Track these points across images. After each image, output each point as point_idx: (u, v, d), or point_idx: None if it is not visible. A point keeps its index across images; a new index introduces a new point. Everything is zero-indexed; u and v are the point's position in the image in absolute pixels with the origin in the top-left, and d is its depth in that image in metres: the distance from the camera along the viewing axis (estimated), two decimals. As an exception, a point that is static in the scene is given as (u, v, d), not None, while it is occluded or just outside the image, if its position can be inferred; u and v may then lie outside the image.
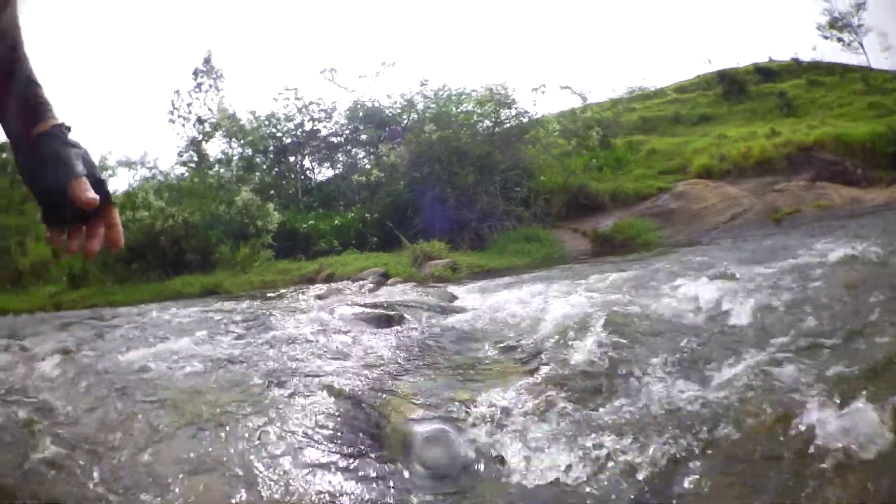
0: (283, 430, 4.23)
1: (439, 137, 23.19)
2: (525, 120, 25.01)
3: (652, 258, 13.29)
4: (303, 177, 32.87)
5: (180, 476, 3.72)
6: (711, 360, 4.57)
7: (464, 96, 26.42)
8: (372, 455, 3.84)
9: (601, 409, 3.97)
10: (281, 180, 32.13)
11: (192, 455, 3.96)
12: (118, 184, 41.12)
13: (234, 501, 3.36)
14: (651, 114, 37.08)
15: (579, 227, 21.42)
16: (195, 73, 35.89)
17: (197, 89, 35.52)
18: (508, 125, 24.90)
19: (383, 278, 15.87)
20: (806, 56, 48.14)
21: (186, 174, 32.83)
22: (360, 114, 31.49)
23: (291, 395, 4.91)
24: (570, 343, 5.30)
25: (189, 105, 35.27)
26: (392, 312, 8.22)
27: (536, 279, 11.51)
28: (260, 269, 21.78)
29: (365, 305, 8.91)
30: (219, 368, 6.15)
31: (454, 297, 10.48)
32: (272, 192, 29.79)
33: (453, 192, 21.86)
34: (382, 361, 5.67)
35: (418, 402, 4.52)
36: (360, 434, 4.12)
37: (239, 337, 8.17)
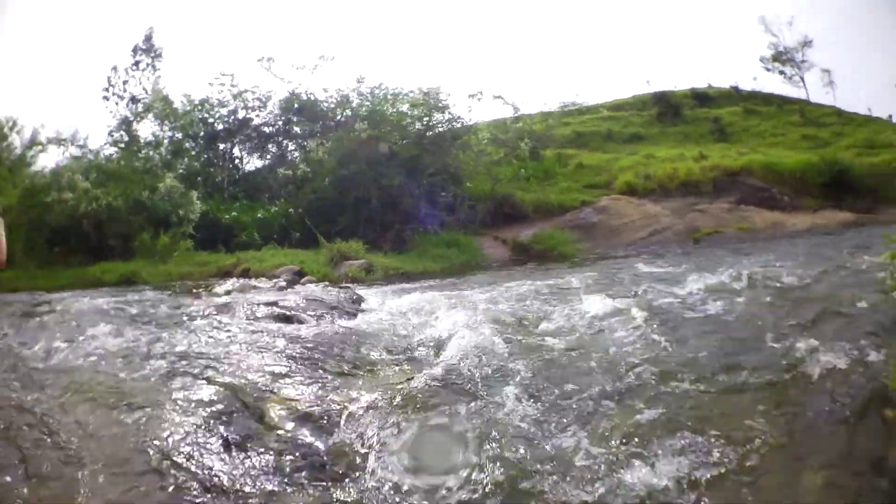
0: (171, 419, 4.38)
1: (369, 136, 23.10)
2: (458, 125, 25.01)
3: (563, 270, 13.74)
4: (231, 165, 32.42)
5: (84, 459, 3.85)
6: (569, 381, 4.86)
7: (399, 97, 26.11)
8: (247, 444, 4.01)
9: (455, 417, 4.23)
10: (209, 167, 31.67)
11: (92, 439, 4.11)
12: (47, 160, 40.25)
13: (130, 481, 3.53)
14: (585, 129, 37.73)
15: (500, 236, 21.80)
16: (134, 51, 35.03)
17: (134, 67, 34.69)
18: (440, 129, 24.88)
19: (297, 276, 15.87)
20: (746, 85, 49.71)
21: (116, 155, 32.03)
22: (295, 105, 31.10)
23: (182, 388, 5.07)
24: (445, 352, 5.63)
25: (125, 83, 34.47)
26: (291, 313, 8.41)
27: (445, 286, 11.91)
28: (179, 260, 21.62)
29: (267, 304, 8.98)
30: (118, 359, 6.22)
31: (361, 300, 10.60)
32: (199, 178, 29.48)
33: (378, 192, 21.92)
34: (272, 360, 5.85)
35: (295, 400, 4.74)
36: (239, 425, 4.26)
37: (141, 332, 8.21)
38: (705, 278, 9.10)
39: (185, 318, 8.74)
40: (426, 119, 24.48)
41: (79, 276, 20.61)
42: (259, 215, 25.00)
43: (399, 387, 4.86)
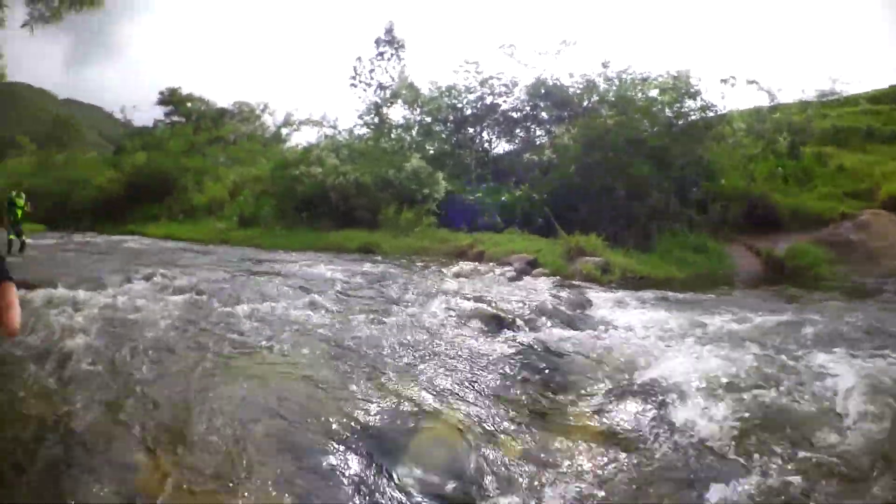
0: (322, 409, 4.23)
1: (616, 123, 21.88)
2: (710, 114, 22.88)
3: (813, 306, 11.05)
4: (479, 149, 32.75)
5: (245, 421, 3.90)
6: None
7: (647, 82, 24.54)
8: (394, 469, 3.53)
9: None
10: (457, 150, 32.14)
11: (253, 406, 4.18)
12: (300, 139, 43.80)
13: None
14: (843, 123, 32.94)
15: (753, 245, 18.89)
16: (377, 42, 37.65)
17: (379, 57, 37.23)
18: (692, 117, 22.81)
19: (529, 267, 15.36)
20: None
21: (366, 136, 33.88)
22: (542, 91, 30.66)
23: (347, 381, 4.94)
24: (661, 412, 4.58)
25: (371, 72, 36.91)
26: (504, 315, 7.91)
27: (684, 304, 10.19)
28: (419, 235, 22.20)
29: (485, 302, 8.63)
30: (312, 339, 6.16)
31: (588, 305, 9.94)
32: (447, 160, 29.95)
33: (625, 183, 20.60)
34: (462, 371, 5.43)
35: (459, 429, 4.13)
36: (381, 440, 3.88)
37: (353, 309, 8.26)
38: None
39: (395, 306, 8.65)
40: (676, 106, 22.53)
41: (321, 240, 22.00)
42: (503, 198, 24.93)
43: (582, 444, 4.06)
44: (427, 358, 5.72)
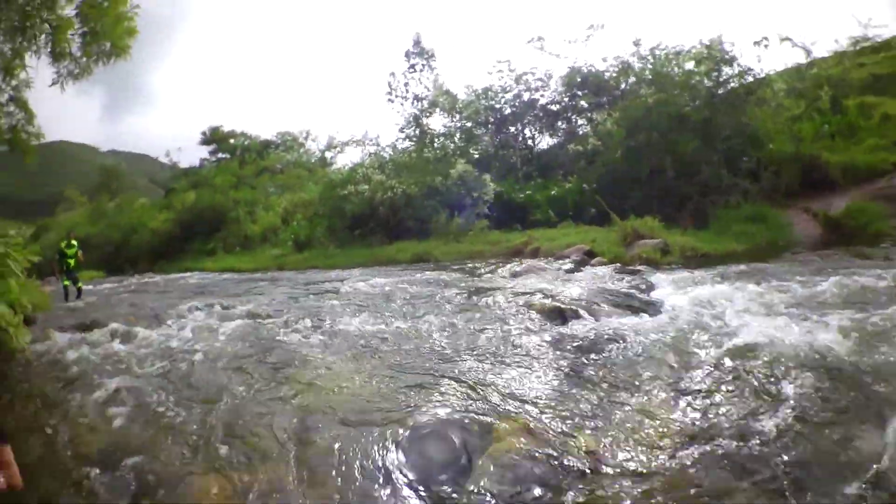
0: (384, 414, 4.23)
1: (656, 102, 21.61)
2: (749, 79, 22.00)
3: (878, 263, 10.71)
4: (523, 147, 32.77)
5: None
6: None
7: (681, 55, 23.95)
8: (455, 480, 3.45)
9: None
10: (501, 151, 32.23)
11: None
12: (345, 159, 44.66)
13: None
14: (882, 70, 31.63)
15: (809, 208, 18.11)
16: (407, 55, 37.94)
17: (411, 70, 37.44)
18: (732, 85, 22.05)
19: (587, 257, 15.31)
20: None
21: (409, 148, 34.20)
22: (577, 79, 30.56)
23: (410, 384, 4.96)
24: (736, 402, 4.22)
25: (406, 85, 37.20)
26: (565, 306, 7.77)
27: (749, 276, 9.74)
28: (472, 239, 22.21)
29: (544, 295, 8.62)
30: (368, 349, 6.24)
31: (651, 288, 9.83)
32: (494, 163, 30.02)
33: (673, 162, 20.34)
34: (526, 368, 5.35)
35: (530, 432, 3.91)
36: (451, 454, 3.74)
37: (409, 316, 8.37)
38: None
39: (449, 304, 8.70)
40: (714, 75, 21.85)
41: (375, 255, 22.33)
42: (552, 193, 24.88)
43: (649, 439, 3.76)
44: (490, 357, 5.65)
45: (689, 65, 22.70)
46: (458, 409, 4.32)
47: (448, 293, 9.65)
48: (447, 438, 3.81)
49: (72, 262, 17.37)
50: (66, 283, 17.45)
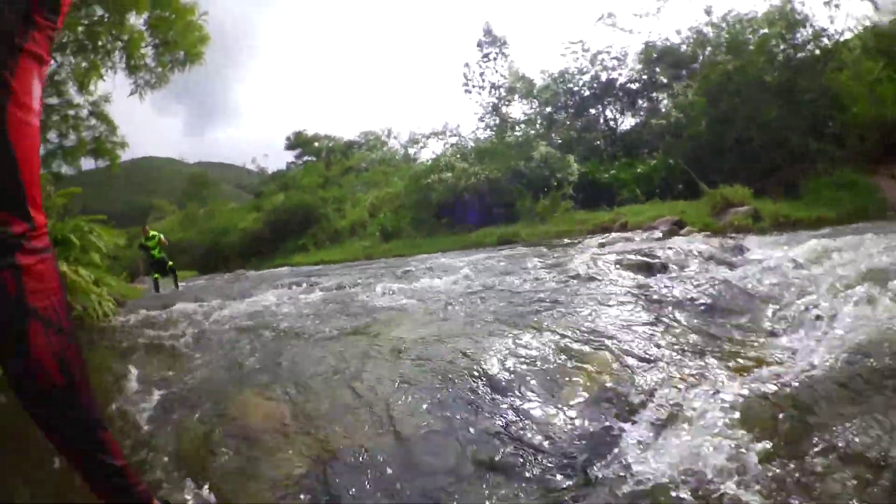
0: (478, 357, 3.94)
1: (735, 69, 21.21)
2: (825, 41, 21.45)
3: None
4: (605, 127, 32.48)
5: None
6: None
7: (754, 20, 23.51)
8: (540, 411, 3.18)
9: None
10: (584, 133, 31.91)
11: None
12: (428, 154, 45.08)
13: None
14: None
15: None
16: (479, 45, 38.01)
17: (485, 59, 37.27)
18: (808, 48, 21.51)
19: (676, 227, 15.09)
20: None
21: (491, 136, 34.24)
22: (654, 55, 30.21)
23: (497, 332, 4.61)
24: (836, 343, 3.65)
25: (481, 75, 37.21)
26: (654, 261, 7.57)
27: (845, 239, 9.31)
28: (558, 220, 22.16)
29: (632, 253, 8.39)
30: (446, 302, 6.18)
31: (744, 250, 9.56)
32: (576, 147, 29.72)
33: (757, 130, 19.86)
34: (612, 313, 5.02)
35: (610, 372, 3.61)
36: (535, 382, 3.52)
37: (490, 276, 8.37)
38: None
39: (533, 268, 8.61)
40: (788, 37, 21.42)
41: (461, 241, 22.48)
42: (638, 171, 24.67)
43: (745, 384, 3.21)
44: (573, 304, 5.41)
45: (763, 30, 22.04)
46: (532, 350, 4.11)
47: (532, 261, 9.55)
48: (520, 381, 3.58)
49: (155, 252, 17.65)
50: (156, 275, 17.70)
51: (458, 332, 4.75)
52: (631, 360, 3.81)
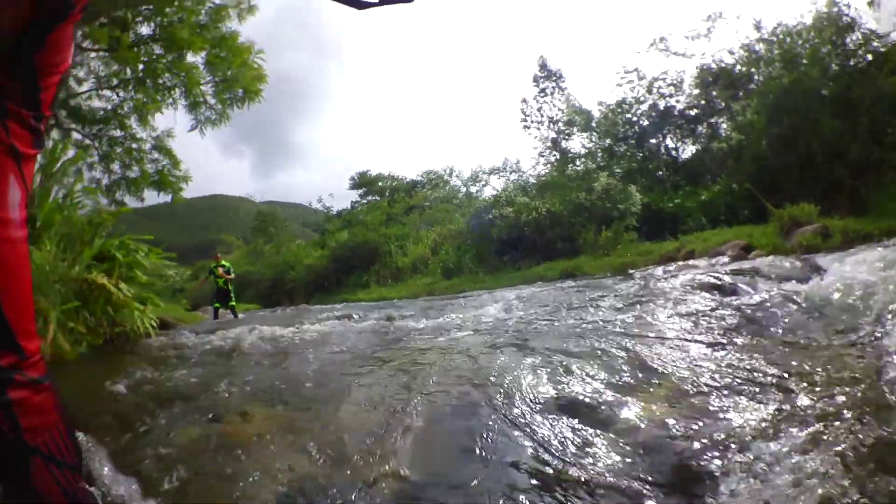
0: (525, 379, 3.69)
1: (791, 81, 20.59)
2: (876, 44, 20.27)
3: None
4: (666, 156, 32.17)
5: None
6: None
7: (801, 32, 22.69)
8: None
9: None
10: (645, 163, 31.77)
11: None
12: (490, 191, 45.45)
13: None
14: None
15: None
16: (535, 80, 38.06)
17: (542, 94, 37.44)
18: (860, 54, 20.43)
19: (744, 251, 14.79)
20: None
21: (550, 170, 34.28)
22: (709, 79, 29.76)
23: (550, 354, 4.34)
24: None
25: (539, 109, 37.28)
26: (722, 282, 7.14)
27: None
28: (622, 252, 21.95)
29: (700, 274, 8.14)
30: (498, 329, 6.05)
31: (817, 268, 9.25)
32: (638, 177, 29.65)
33: (818, 144, 19.23)
34: (677, 335, 4.69)
35: (685, 403, 3.18)
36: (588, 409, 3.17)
37: (549, 305, 8.10)
38: None
39: (595, 296, 8.28)
40: (839, 44, 20.53)
41: (522, 275, 22.18)
42: (702, 197, 24.32)
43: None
44: (635, 327, 5.14)
45: (815, 38, 21.50)
46: (590, 378, 3.78)
47: (594, 292, 9.28)
48: (573, 408, 3.23)
49: (220, 281, 17.75)
50: (217, 304, 17.82)
51: (502, 361, 4.54)
52: (698, 392, 3.39)
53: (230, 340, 6.96)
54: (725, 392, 3.30)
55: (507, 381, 3.71)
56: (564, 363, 4.03)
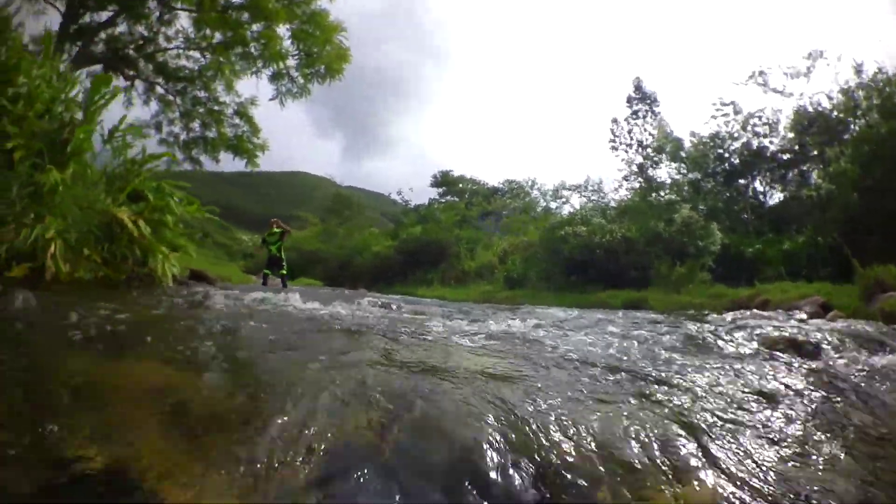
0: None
1: (888, 131, 19.45)
2: None
3: None
4: (753, 200, 31.36)
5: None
6: None
7: None
8: None
9: None
10: (730, 204, 31.01)
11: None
12: (569, 208, 45.18)
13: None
14: None
15: None
16: (629, 101, 37.55)
17: (634, 116, 37.04)
18: None
19: (822, 310, 13.96)
20: None
21: (632, 196, 33.75)
22: (805, 122, 28.80)
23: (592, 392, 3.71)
24: None
25: (629, 131, 36.85)
26: (804, 341, 6.25)
27: None
28: (693, 291, 21.22)
29: (773, 329, 7.44)
30: (524, 348, 5.45)
31: (903, 337, 8.44)
32: (722, 217, 28.77)
33: None
34: (752, 403, 3.72)
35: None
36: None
37: (592, 333, 7.36)
38: None
39: (651, 333, 7.37)
40: None
41: (585, 299, 21.74)
42: (784, 247, 23.42)
43: None
44: (692, 383, 4.19)
45: None
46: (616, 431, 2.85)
47: (652, 327, 8.53)
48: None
49: (273, 248, 17.82)
50: (266, 271, 17.88)
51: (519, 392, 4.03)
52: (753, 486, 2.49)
53: (247, 308, 6.69)
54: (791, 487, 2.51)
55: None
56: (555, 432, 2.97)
